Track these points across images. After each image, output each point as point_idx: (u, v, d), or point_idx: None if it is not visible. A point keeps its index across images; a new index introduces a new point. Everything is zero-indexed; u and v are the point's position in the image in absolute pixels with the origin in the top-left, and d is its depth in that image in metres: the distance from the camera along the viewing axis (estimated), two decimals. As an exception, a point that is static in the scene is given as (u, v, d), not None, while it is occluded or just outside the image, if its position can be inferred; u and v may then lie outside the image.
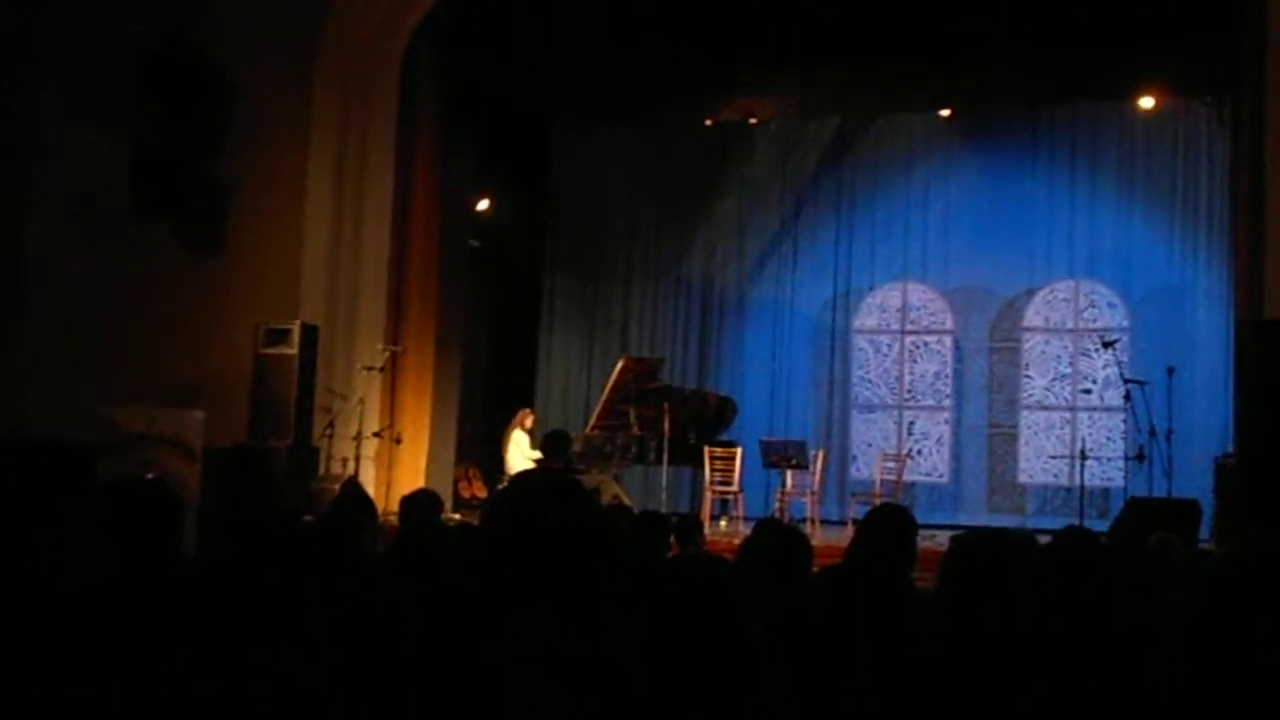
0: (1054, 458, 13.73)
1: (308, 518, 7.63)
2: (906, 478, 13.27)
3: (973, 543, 3.18)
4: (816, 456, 12.51)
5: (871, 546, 4.19)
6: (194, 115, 10.77)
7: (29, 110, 11.07)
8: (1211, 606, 1.33)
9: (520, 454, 12.45)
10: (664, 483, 12.12)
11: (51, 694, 2.48)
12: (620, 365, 12.56)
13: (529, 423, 12.90)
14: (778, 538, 4.25)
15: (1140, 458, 10.44)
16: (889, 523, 4.26)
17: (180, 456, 9.05)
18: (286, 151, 11.02)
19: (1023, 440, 14.06)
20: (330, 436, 10.67)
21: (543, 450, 12.38)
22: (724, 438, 12.69)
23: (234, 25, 10.91)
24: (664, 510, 9.98)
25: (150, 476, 6.08)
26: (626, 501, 11.18)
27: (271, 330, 10.36)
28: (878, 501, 12.28)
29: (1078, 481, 11.50)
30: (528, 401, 15.14)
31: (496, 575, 2.06)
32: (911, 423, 14.51)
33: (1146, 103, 12.82)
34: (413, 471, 11.65)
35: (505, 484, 10.49)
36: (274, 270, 10.99)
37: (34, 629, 2.75)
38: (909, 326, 14.63)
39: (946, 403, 14.44)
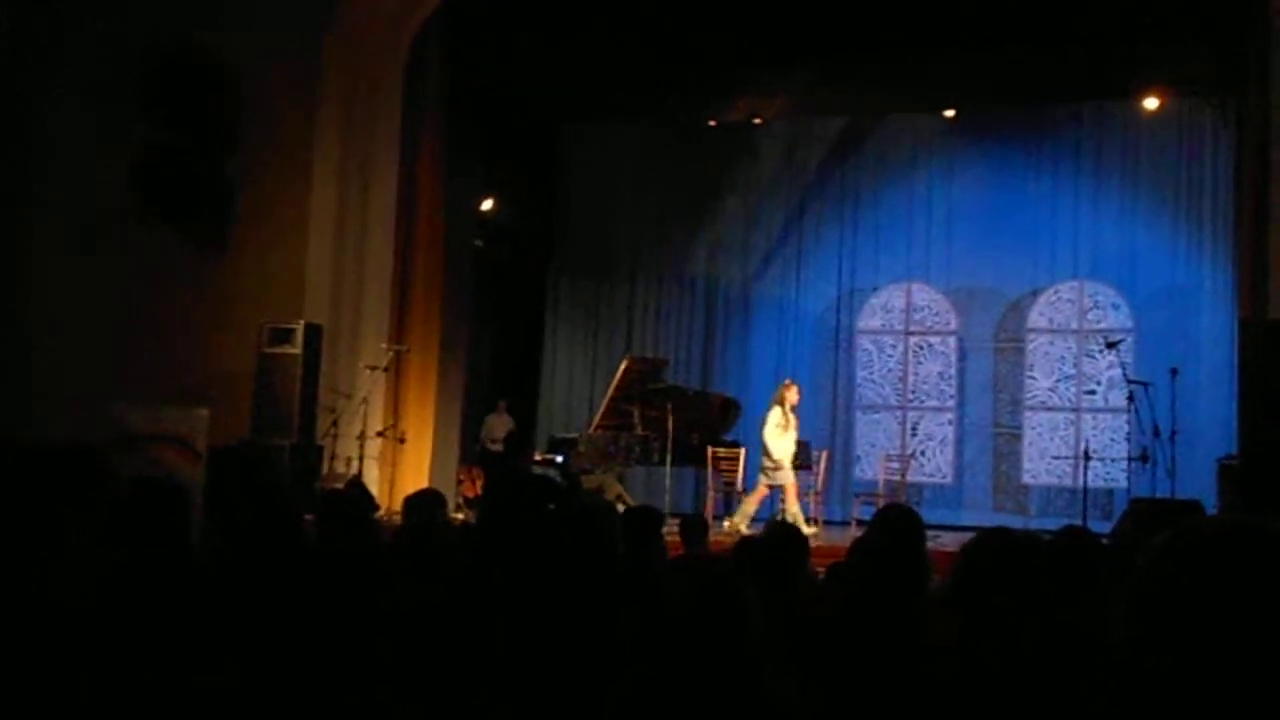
0: (1058, 458, 13.73)
1: (310, 517, 7.64)
2: (910, 478, 13.27)
3: (988, 544, 3.19)
4: (820, 457, 12.50)
5: (877, 547, 4.18)
6: (200, 117, 10.79)
7: (36, 111, 11.10)
8: (1145, 593, 1.34)
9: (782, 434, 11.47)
10: (667, 483, 12.10)
11: (60, 692, 2.49)
12: (624, 365, 12.55)
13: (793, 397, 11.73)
14: (774, 535, 4.26)
15: (1144, 459, 10.42)
16: (895, 525, 4.23)
17: (184, 455, 9.04)
18: (292, 152, 11.03)
19: (1026, 441, 14.06)
20: (334, 436, 10.68)
21: (505, 451, 12.32)
22: (728, 438, 12.69)
23: (240, 28, 10.93)
24: (666, 511, 9.98)
25: (154, 475, 6.08)
26: (630, 502, 11.17)
27: (275, 329, 10.37)
28: (881, 502, 12.29)
29: (1081, 482, 11.48)
30: (531, 401, 15.15)
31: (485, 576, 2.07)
32: (915, 423, 14.51)
33: (1150, 103, 12.81)
34: (416, 471, 11.66)
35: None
36: (279, 270, 11.00)
37: (39, 631, 2.76)
38: (913, 327, 14.64)
39: (950, 403, 14.44)
